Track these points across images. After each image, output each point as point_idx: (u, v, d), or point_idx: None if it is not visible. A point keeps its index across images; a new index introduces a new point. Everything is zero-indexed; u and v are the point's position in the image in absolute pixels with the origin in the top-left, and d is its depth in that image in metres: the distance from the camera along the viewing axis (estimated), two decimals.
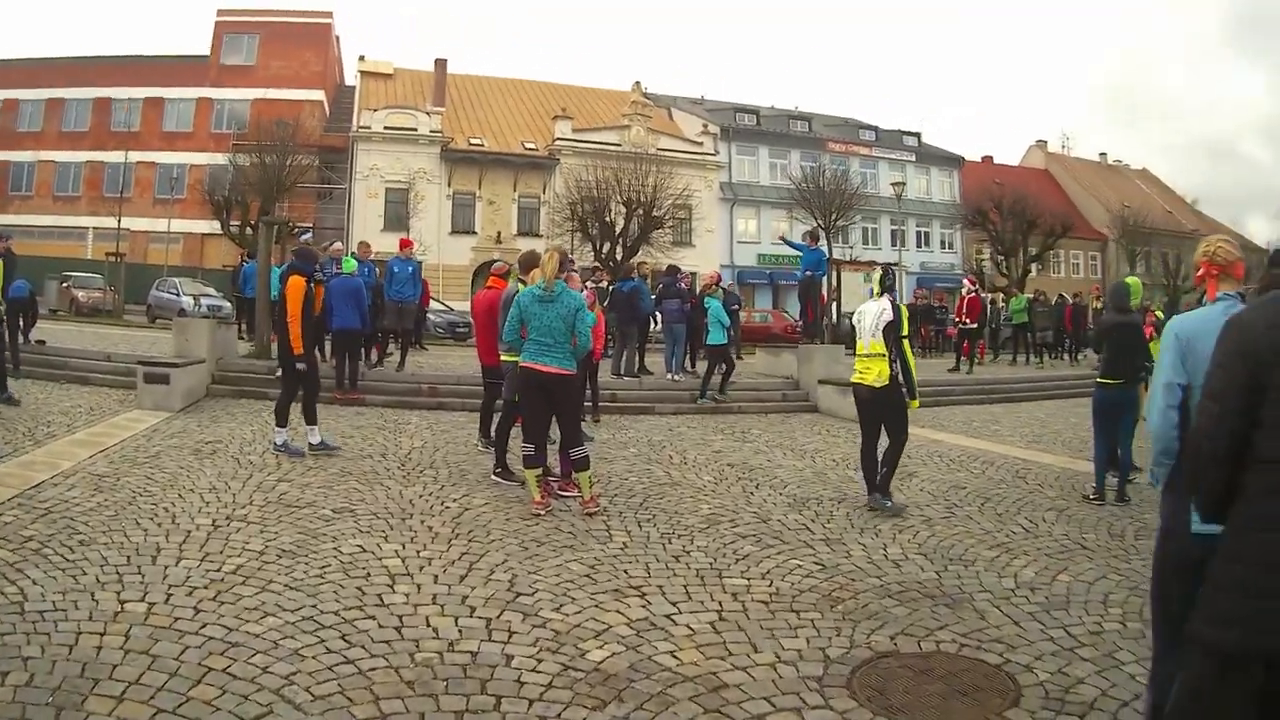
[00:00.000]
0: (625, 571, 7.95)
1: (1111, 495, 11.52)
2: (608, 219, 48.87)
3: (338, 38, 71.72)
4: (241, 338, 23.06)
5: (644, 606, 7.08)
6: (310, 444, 12.45)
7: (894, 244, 66.62)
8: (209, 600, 6.68)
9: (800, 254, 24.59)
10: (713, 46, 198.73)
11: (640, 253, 46.74)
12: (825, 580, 7.93)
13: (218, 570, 7.34)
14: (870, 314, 10.95)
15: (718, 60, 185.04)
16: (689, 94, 78.15)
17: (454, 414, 17.13)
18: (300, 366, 12.37)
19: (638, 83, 70.64)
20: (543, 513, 9.76)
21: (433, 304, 34.86)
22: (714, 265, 51.01)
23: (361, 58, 67.57)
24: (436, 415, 16.97)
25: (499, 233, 60.41)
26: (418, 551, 8.18)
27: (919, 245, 72.31)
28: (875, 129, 75.28)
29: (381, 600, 6.91)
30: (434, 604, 6.91)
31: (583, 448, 10.17)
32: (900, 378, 10.71)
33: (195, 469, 11.12)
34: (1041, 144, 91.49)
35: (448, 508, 9.94)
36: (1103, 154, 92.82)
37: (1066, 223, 63.69)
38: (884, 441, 11.02)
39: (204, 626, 6.19)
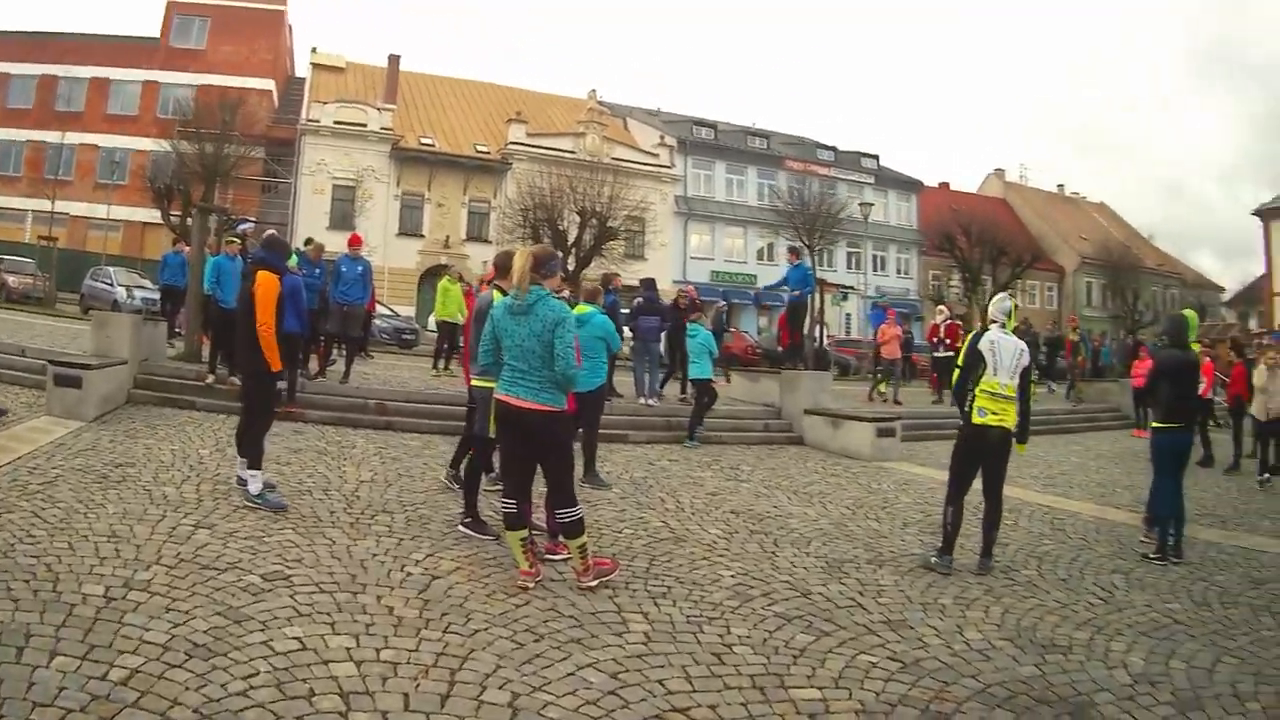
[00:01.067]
0: (660, 683, 5.90)
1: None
2: (561, 227, 47.20)
3: (290, 27, 69.04)
4: (172, 339, 20.37)
5: None
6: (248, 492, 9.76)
7: (849, 267, 65.38)
8: None
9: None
10: (670, 58, 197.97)
11: (593, 264, 44.93)
12: (913, 685, 6.26)
13: (102, 678, 5.13)
14: (1009, 351, 9.60)
15: (675, 72, 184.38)
16: (645, 105, 76.53)
17: (404, 436, 14.90)
18: (281, 384, 9.91)
19: (594, 90, 69.86)
20: (532, 585, 7.63)
21: (378, 308, 32.52)
22: (666, 279, 49.34)
23: (314, 49, 65.16)
24: (385, 437, 14.65)
25: (448, 236, 58.27)
26: (377, 650, 5.96)
27: (875, 269, 70.55)
28: (834, 149, 74.10)
29: None
30: None
31: (574, 509, 7.74)
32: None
33: (97, 504, 8.72)
34: (999, 173, 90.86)
35: (410, 575, 7.69)
36: (1060, 185, 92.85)
37: (1037, 253, 63.30)
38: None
39: None
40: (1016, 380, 9.48)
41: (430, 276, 52.92)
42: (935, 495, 13.15)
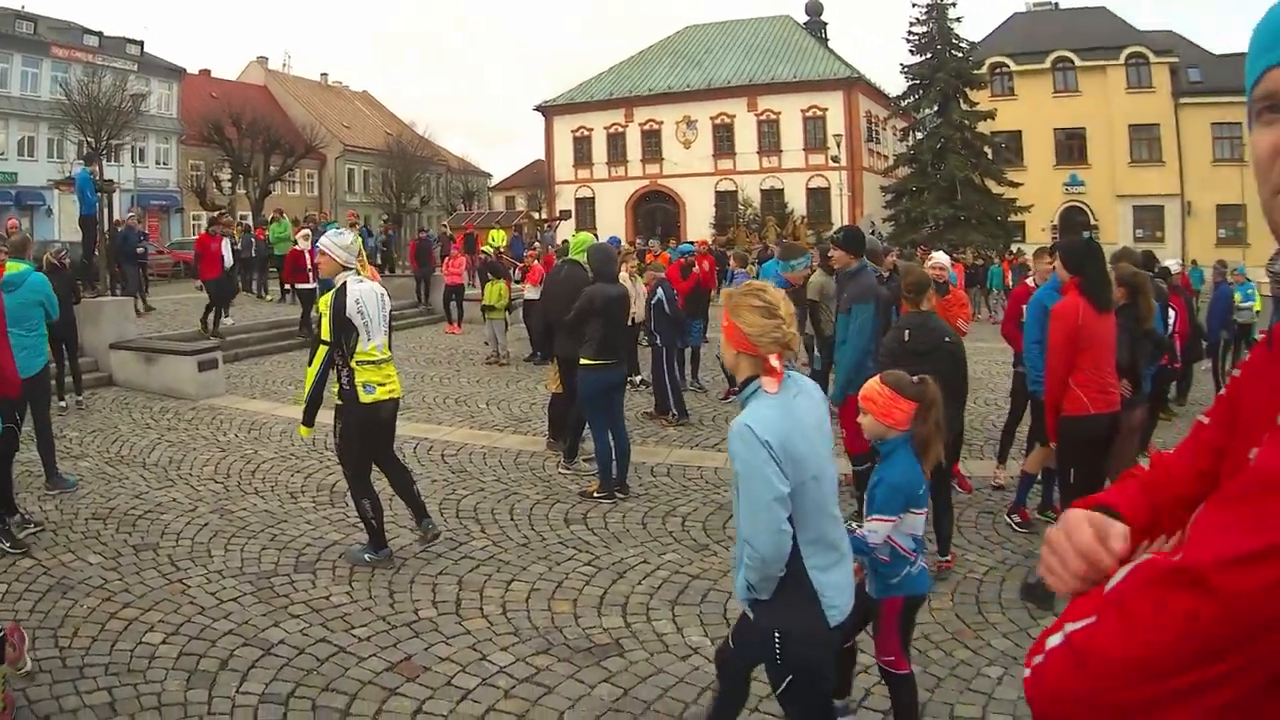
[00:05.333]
0: None
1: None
2: None
3: None
4: None
5: None
6: None
7: (109, 160, 60.01)
8: None
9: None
10: None
11: None
12: None
13: None
14: (374, 304, 7.59)
15: None
16: None
17: None
18: None
19: None
20: None
21: None
22: None
23: None
24: None
25: None
26: None
27: (134, 161, 65.03)
28: (100, 34, 67.17)
29: None
30: None
31: None
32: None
33: None
34: (262, 60, 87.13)
35: None
36: (324, 74, 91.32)
37: (311, 143, 61.72)
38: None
39: None
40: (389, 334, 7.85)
41: None
42: (296, 446, 11.60)
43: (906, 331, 7.33)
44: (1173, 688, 1.32)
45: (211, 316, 19.65)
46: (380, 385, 7.50)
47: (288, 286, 21.15)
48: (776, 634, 3.87)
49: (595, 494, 9.52)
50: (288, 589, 7.00)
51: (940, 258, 11.12)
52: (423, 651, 5.96)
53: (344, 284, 7.45)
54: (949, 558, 7.34)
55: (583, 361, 9.67)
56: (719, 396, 14.74)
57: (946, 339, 6.99)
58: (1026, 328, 8.82)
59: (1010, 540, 8.29)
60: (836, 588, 3.88)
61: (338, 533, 8.31)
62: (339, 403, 7.48)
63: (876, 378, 4.94)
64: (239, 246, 25.89)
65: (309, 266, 19.11)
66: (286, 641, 6.04)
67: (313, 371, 7.40)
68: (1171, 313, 11.23)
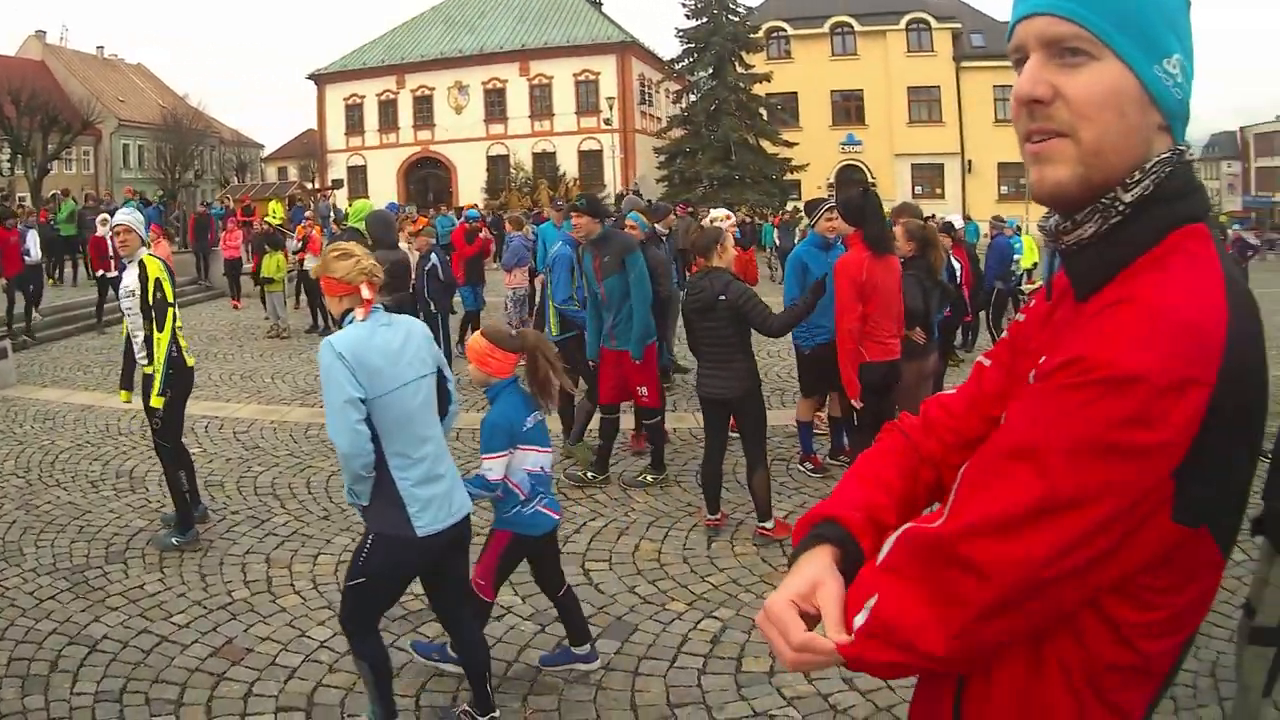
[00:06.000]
0: None
1: None
2: None
3: None
4: None
5: None
6: None
7: None
8: None
9: None
10: None
11: None
12: None
13: None
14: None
15: None
16: None
17: None
18: None
19: None
20: None
21: None
22: None
23: None
24: None
25: None
26: None
27: None
28: None
29: None
30: None
31: None
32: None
33: None
34: (40, 34, 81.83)
35: None
36: (100, 47, 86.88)
37: (88, 119, 58.82)
38: None
39: None
40: None
41: None
42: (91, 433, 11.27)
43: (684, 291, 7.57)
44: (987, 630, 1.37)
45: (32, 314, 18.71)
46: (187, 351, 7.58)
47: (98, 273, 20.00)
48: (372, 536, 4.46)
49: None
50: (102, 581, 6.81)
51: (719, 214, 11.36)
52: (243, 633, 5.91)
53: (150, 255, 7.45)
54: (771, 525, 7.24)
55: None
56: None
57: (721, 297, 6.97)
58: (786, 283, 9.12)
59: (806, 485, 8.74)
60: (424, 501, 4.39)
61: (142, 519, 8.10)
62: (170, 371, 7.34)
63: (479, 331, 5.20)
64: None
65: (111, 253, 18.21)
66: (110, 636, 5.91)
67: (165, 337, 7.26)
68: (957, 265, 11.68)
